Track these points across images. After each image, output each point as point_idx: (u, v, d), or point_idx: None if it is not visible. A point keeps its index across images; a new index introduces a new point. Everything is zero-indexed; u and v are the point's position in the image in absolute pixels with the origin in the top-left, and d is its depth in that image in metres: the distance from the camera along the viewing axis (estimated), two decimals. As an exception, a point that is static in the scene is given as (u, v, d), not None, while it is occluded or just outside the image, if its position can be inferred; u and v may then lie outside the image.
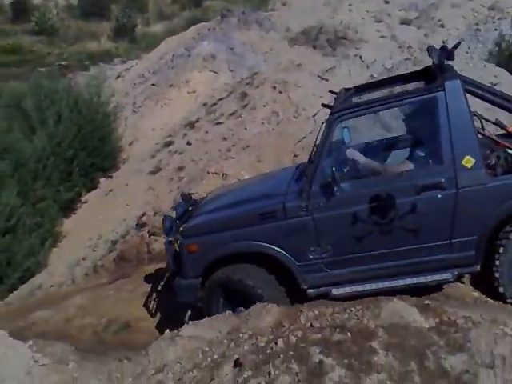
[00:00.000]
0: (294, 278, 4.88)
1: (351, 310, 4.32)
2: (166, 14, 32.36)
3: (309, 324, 4.33)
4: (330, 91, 5.71)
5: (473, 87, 4.76)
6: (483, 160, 4.42)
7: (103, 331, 6.27)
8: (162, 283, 6.45)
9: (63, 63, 23.63)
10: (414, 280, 4.59)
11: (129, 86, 13.41)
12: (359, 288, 4.73)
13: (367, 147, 5.46)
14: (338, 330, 4.09)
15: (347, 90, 5.53)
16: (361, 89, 5.54)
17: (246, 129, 8.88)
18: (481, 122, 4.88)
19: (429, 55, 5.18)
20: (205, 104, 10.76)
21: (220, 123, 9.46)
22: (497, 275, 4.43)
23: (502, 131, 5.12)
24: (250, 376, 3.80)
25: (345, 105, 4.87)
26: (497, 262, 4.42)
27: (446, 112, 4.42)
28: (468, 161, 4.35)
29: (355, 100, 5.20)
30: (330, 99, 9.61)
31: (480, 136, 4.58)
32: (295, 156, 7.97)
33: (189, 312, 5.80)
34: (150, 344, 4.93)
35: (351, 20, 14.13)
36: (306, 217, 4.72)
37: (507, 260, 4.38)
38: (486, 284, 4.71)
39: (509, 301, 4.45)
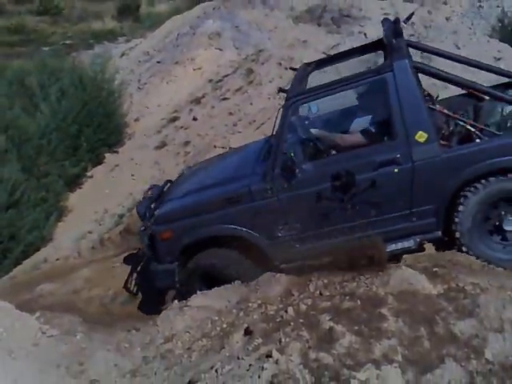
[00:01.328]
0: (266, 256, 5.06)
1: (360, 278, 4.32)
2: (170, -7, 32.07)
3: (318, 292, 4.34)
4: (291, 68, 5.88)
5: (421, 65, 4.95)
6: (436, 133, 4.64)
7: (110, 303, 6.32)
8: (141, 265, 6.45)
9: (67, 42, 23.51)
10: None
11: (134, 63, 13.34)
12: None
13: (331, 116, 5.60)
14: (347, 297, 4.10)
15: (308, 64, 5.67)
16: (321, 63, 5.68)
17: (251, 104, 8.85)
18: (431, 96, 5.11)
19: (382, 27, 5.36)
20: (210, 80, 10.71)
21: (226, 99, 9.43)
22: (457, 235, 4.63)
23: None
24: (261, 344, 3.80)
25: (298, 90, 5.01)
26: (456, 221, 4.62)
27: (396, 91, 4.60)
28: (421, 135, 4.57)
29: (312, 77, 5.35)
30: (335, 76, 9.59)
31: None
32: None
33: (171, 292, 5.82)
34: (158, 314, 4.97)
35: (355, -2, 13.99)
36: (272, 198, 4.91)
37: (465, 218, 4.59)
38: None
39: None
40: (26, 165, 8.34)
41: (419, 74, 4.95)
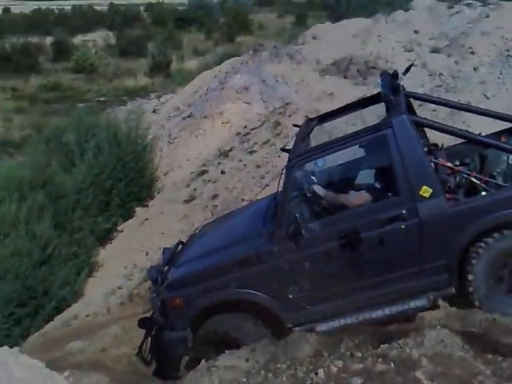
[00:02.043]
0: (279, 319, 4.98)
1: (393, 339, 4.19)
2: (200, 51, 33.25)
3: (349, 353, 4.22)
4: (294, 125, 6.02)
5: (420, 118, 4.99)
6: (441, 186, 4.61)
7: (138, 361, 6.22)
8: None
9: (102, 99, 24.34)
10: (393, 309, 4.70)
11: (164, 118, 13.67)
12: (341, 322, 4.82)
13: (337, 169, 5.60)
14: (380, 359, 3.97)
15: (311, 120, 5.77)
16: (323, 117, 5.76)
17: (279, 156, 8.88)
18: (436, 146, 5.19)
19: (381, 80, 5.44)
20: (238, 133, 10.85)
21: (254, 152, 9.50)
22: (470, 290, 4.54)
23: None
24: (290, 408, 3.69)
25: (300, 150, 5.05)
26: (469, 277, 4.52)
27: (397, 147, 4.59)
28: (425, 190, 4.53)
29: (315, 133, 5.43)
30: (361, 127, 9.61)
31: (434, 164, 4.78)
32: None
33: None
34: (185, 375, 4.88)
35: (381, 50, 14.15)
36: (280, 260, 4.86)
37: (478, 273, 4.50)
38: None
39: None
40: (60, 220, 8.54)
41: None
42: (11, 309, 7.45)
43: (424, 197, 4.52)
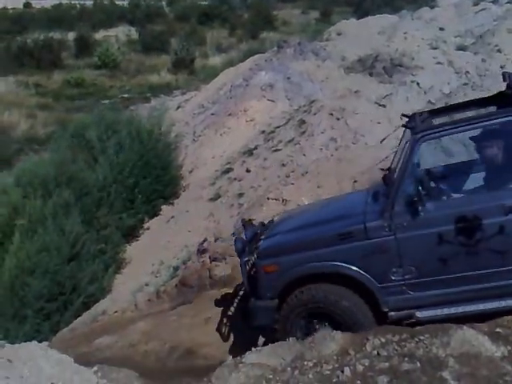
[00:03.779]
0: (375, 300, 4.78)
1: (419, 338, 4.20)
2: (223, 47, 33.22)
3: (375, 352, 4.23)
4: (403, 114, 5.60)
5: None
6: None
7: (166, 357, 6.29)
8: (233, 307, 6.41)
9: (125, 95, 24.48)
10: (503, 303, 4.45)
11: (189, 115, 13.74)
12: (444, 311, 4.59)
13: (446, 170, 5.38)
14: (406, 358, 3.98)
15: (420, 114, 5.43)
16: (433, 113, 5.49)
17: (304, 155, 8.93)
18: None
19: (504, 80, 5.14)
20: (263, 132, 10.90)
21: (278, 150, 9.55)
22: None
23: None
24: (317, 404, 3.74)
25: (428, 125, 4.83)
26: None
27: None
28: None
29: (436, 122, 5.11)
30: (387, 125, 9.57)
31: None
32: (355, 182, 7.91)
33: (261, 339, 5.69)
34: (212, 371, 4.95)
35: (407, 47, 14.02)
36: (389, 237, 4.64)
37: None
38: None
39: None
40: (87, 217, 8.69)
41: None
42: (41, 304, 7.63)
43: None
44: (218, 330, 6.23)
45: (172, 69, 28.81)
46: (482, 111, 5.13)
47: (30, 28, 39.68)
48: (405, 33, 15.24)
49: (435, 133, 4.68)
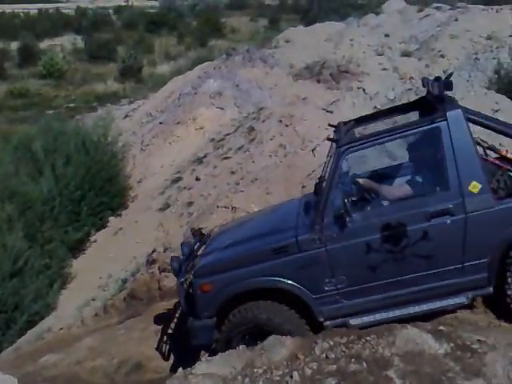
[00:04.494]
0: (310, 311, 4.89)
1: (366, 339, 4.24)
2: (171, 55, 33.02)
3: (324, 355, 4.23)
4: (330, 125, 5.78)
5: (473, 115, 4.92)
6: (488, 184, 4.59)
7: (114, 373, 6.10)
8: (174, 322, 6.34)
9: (71, 105, 23.98)
10: (431, 306, 4.66)
11: (136, 125, 13.59)
12: (377, 317, 4.76)
13: (372, 175, 5.51)
14: (353, 360, 4.00)
15: (346, 123, 5.63)
16: (359, 121, 5.67)
17: (253, 162, 8.94)
18: (483, 148, 5.04)
19: (424, 86, 5.39)
20: (212, 139, 10.87)
21: (228, 158, 9.53)
22: (509, 292, 4.53)
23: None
24: (266, 411, 3.73)
25: (352, 137, 4.99)
26: (509, 280, 4.53)
27: (450, 140, 4.58)
28: (474, 186, 4.52)
29: (358, 132, 5.32)
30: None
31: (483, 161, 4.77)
32: (303, 187, 7.97)
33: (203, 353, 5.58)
34: None
35: (353, 54, 14.33)
36: (320, 249, 4.76)
37: None
38: (498, 306, 4.75)
39: None
40: (30, 232, 8.43)
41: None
42: (-21, 324, 7.34)
43: (473, 192, 4.50)
44: (158, 348, 6.18)
45: (119, 77, 28.42)
46: (404, 119, 5.32)
47: (-29, 38, 38.54)
48: (351, 40, 15.59)
49: (358, 145, 4.81)
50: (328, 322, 4.85)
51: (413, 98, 10.62)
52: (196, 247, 5.79)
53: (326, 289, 4.82)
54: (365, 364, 3.90)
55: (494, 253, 4.55)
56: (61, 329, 7.53)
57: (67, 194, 9.21)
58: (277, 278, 4.88)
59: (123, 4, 55.53)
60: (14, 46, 36.11)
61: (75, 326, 7.44)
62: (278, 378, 4.18)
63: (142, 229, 8.96)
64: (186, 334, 5.27)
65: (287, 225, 5.14)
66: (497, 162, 4.88)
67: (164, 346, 6.17)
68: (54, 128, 10.47)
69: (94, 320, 7.40)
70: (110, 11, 54.87)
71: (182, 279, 5.27)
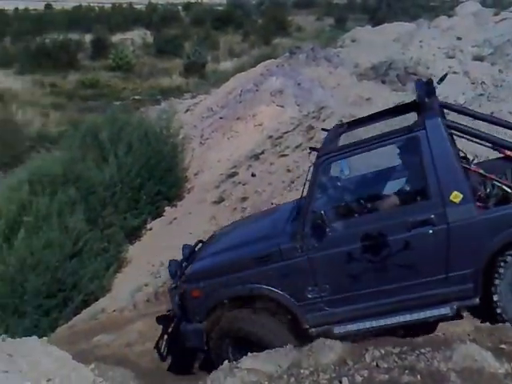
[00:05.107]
0: (296, 319, 4.93)
1: (420, 351, 4.09)
2: (235, 52, 33.32)
3: (374, 363, 4.13)
4: (323, 129, 5.86)
5: (454, 123, 4.88)
6: (472, 193, 4.51)
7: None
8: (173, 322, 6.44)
9: (137, 98, 24.62)
10: (415, 316, 4.60)
11: (197, 119, 13.72)
12: (360, 326, 4.75)
13: (364, 179, 5.50)
14: (406, 371, 3.88)
15: (340, 126, 5.66)
16: (353, 124, 5.63)
17: (311, 161, 8.80)
18: (467, 159, 5.00)
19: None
20: (270, 137, 10.82)
21: (285, 155, 9.45)
22: (496, 303, 4.43)
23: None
24: (313, 413, 3.64)
25: (330, 148, 4.99)
26: (495, 288, 4.42)
27: (429, 149, 4.50)
28: (456, 196, 4.43)
29: (344, 138, 5.26)
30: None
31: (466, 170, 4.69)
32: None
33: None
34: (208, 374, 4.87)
35: (422, 56, 13.94)
36: (302, 258, 4.81)
37: (505, 284, 4.39)
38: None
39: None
40: (91, 216, 8.67)
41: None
42: (40, 300, 7.60)
43: (454, 202, 4.42)
44: (157, 348, 6.35)
45: (184, 72, 29.00)
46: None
47: (49, 29, 40.25)
48: (421, 41, 15.17)
49: (336, 155, 4.83)
50: (313, 330, 4.88)
51: (484, 103, 10.25)
52: (196, 249, 5.93)
53: (310, 296, 4.86)
54: (419, 377, 3.78)
55: (478, 263, 4.44)
56: (114, 311, 7.74)
57: (128, 182, 9.40)
58: (261, 286, 4.94)
59: (192, 0, 56.31)
60: (88, 38, 37.40)
61: (127, 310, 7.63)
62: (325, 382, 4.10)
63: (196, 220, 9.02)
64: (180, 336, 5.42)
65: (274, 232, 5.21)
66: (480, 171, 4.80)
67: (162, 345, 6.31)
68: (120, 119, 10.76)
69: (145, 305, 7.57)
70: (180, 7, 55.89)
71: (174, 285, 5.42)
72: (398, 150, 5.10)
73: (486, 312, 4.56)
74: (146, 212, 9.60)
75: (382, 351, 4.27)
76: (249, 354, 4.87)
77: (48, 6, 58.42)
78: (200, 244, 6.06)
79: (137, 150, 9.81)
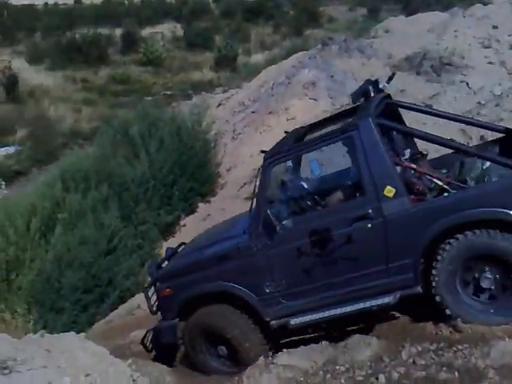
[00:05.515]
0: (257, 313, 5.26)
1: (458, 348, 4.06)
2: (267, 44, 33.15)
3: (411, 360, 4.12)
4: (285, 132, 6.12)
5: (387, 122, 5.16)
6: (406, 187, 4.78)
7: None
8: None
9: (168, 92, 24.73)
10: (361, 305, 4.88)
11: (229, 113, 13.71)
12: (313, 317, 5.07)
13: (320, 181, 5.69)
14: (444, 368, 3.85)
15: (301, 128, 6.05)
16: (311, 128, 5.86)
17: (343, 156, 8.72)
18: (398, 154, 5.29)
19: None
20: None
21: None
22: (434, 284, 4.61)
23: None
24: (349, 410, 3.65)
25: (274, 151, 5.35)
26: (432, 277, 4.60)
27: (362, 148, 4.81)
28: (389, 190, 4.72)
29: (298, 141, 5.49)
30: (433, 126, 9.28)
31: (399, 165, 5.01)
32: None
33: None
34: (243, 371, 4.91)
35: (457, 46, 13.60)
36: (258, 255, 5.18)
37: (442, 274, 4.57)
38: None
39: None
40: (125, 213, 8.79)
41: None
42: (77, 296, 7.75)
43: (388, 197, 4.71)
44: (142, 342, 6.68)
45: (214, 66, 28.97)
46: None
47: (79, 23, 40.55)
48: (455, 31, 14.80)
49: (280, 158, 5.19)
50: (274, 322, 5.21)
51: (522, 94, 9.99)
52: (178, 251, 6.35)
53: (268, 291, 5.21)
54: (457, 374, 3.75)
55: (415, 253, 4.69)
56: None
57: (160, 178, 9.48)
58: (224, 283, 5.33)
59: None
60: (118, 32, 37.57)
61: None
62: (361, 378, 4.11)
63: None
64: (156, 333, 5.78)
65: (236, 232, 5.63)
66: (412, 166, 5.06)
67: (147, 339, 6.59)
68: (151, 114, 10.83)
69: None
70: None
71: (146, 285, 5.97)
72: (335, 150, 5.40)
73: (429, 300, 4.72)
74: (179, 208, 9.67)
75: (419, 348, 4.27)
76: (284, 350, 4.97)
77: (77, 1, 58.58)
78: (182, 246, 6.50)
79: (168, 146, 9.87)
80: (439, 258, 4.57)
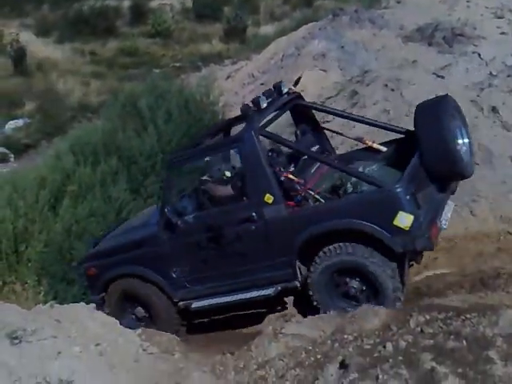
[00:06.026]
0: (167, 294, 6.14)
1: (466, 317, 4.08)
2: (276, 15, 32.62)
3: (419, 329, 4.15)
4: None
5: (269, 134, 5.98)
6: (283, 195, 5.52)
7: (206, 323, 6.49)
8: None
9: (177, 64, 24.52)
10: (247, 295, 5.76)
11: (238, 85, 13.60)
12: (210, 302, 5.92)
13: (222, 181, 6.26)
14: (452, 336, 3.86)
15: (213, 129, 6.97)
16: (216, 131, 6.73)
17: (354, 127, 8.67)
18: (279, 164, 5.94)
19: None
20: (313, 103, 10.62)
21: (327, 121, 9.26)
22: (309, 281, 5.53)
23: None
24: (357, 378, 3.69)
25: (177, 153, 6.34)
26: (307, 274, 5.56)
27: (247, 159, 5.62)
28: (268, 197, 5.47)
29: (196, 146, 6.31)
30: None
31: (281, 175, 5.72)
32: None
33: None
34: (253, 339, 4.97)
35: (469, 16, 13.31)
36: (165, 245, 6.02)
37: (314, 274, 5.46)
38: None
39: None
40: (133, 186, 8.84)
41: None
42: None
43: (268, 203, 5.45)
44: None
45: (224, 38, 28.61)
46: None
47: (86, -5, 40.02)
48: (468, 1, 14.48)
49: (181, 160, 6.12)
50: (181, 303, 6.09)
51: (534, 65, 9.81)
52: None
53: (174, 276, 6.03)
54: (464, 342, 3.76)
55: (292, 253, 5.50)
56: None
57: (169, 151, 9.39)
58: (137, 266, 6.18)
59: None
60: (126, 4, 37.09)
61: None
62: (369, 347, 4.14)
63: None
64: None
65: (152, 221, 6.37)
66: (289, 176, 5.69)
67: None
68: (160, 86, 10.75)
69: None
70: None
71: (74, 264, 7.13)
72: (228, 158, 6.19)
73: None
74: (187, 181, 9.64)
75: (427, 316, 4.31)
76: (293, 320, 5.11)
77: (83, -28, 57.92)
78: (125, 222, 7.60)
79: (177, 119, 9.81)
80: (318, 257, 5.36)
